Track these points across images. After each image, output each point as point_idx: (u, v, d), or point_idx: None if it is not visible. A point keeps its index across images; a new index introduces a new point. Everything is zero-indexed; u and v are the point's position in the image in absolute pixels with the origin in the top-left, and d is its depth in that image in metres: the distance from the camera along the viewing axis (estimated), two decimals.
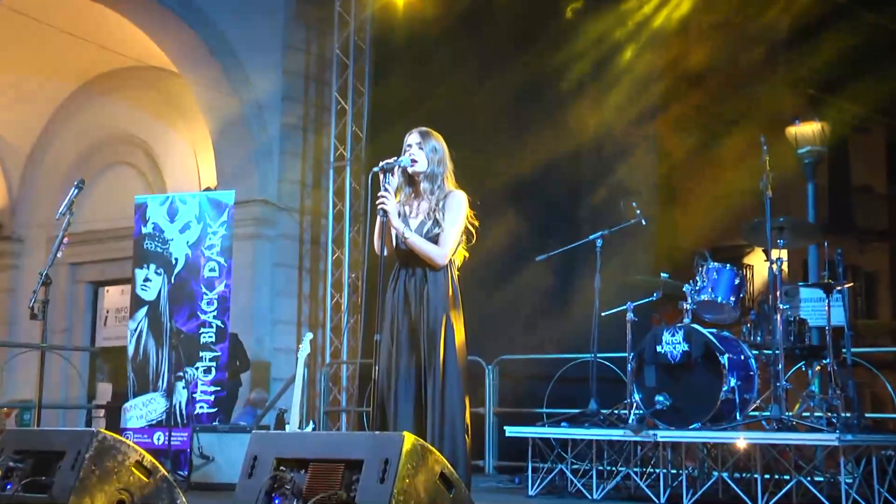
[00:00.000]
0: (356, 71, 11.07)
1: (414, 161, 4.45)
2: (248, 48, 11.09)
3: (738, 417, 5.92)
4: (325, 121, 11.45)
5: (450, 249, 4.40)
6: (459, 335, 4.36)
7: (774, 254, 6.05)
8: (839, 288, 6.21)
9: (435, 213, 4.42)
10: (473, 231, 4.51)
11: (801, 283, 7.18)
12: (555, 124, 9.05)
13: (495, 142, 9.39)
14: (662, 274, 6.73)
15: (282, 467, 3.41)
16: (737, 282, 6.43)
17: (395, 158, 4.43)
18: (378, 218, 4.33)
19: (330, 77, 11.28)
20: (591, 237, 6.99)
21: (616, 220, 7.11)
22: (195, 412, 8.13)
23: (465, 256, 4.52)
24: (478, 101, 9.42)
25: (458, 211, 4.42)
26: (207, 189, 11.47)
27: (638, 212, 6.94)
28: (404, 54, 10.40)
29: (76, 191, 5.55)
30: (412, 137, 4.51)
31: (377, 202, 4.30)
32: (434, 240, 4.38)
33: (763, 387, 6.18)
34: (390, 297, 4.45)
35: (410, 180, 4.54)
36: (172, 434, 7.89)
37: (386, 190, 4.32)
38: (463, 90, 9.53)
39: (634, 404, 6.27)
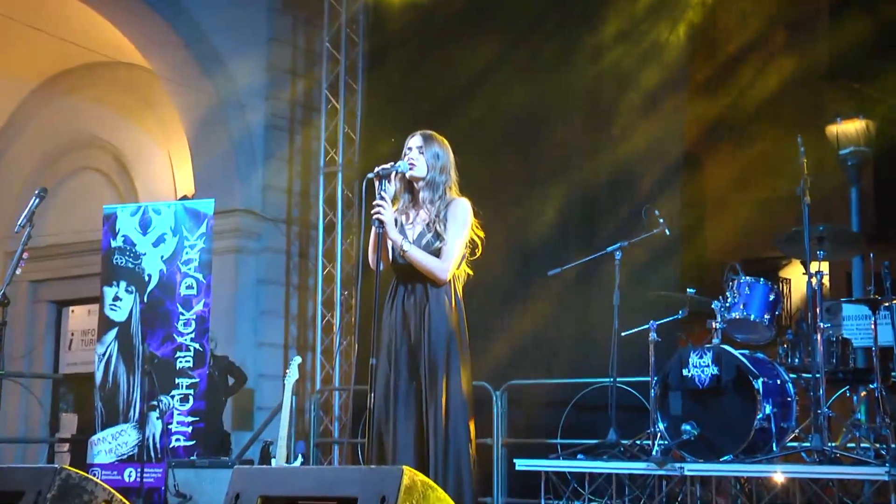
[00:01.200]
0: (348, 66, 11.10)
1: (412, 165, 4.49)
2: (228, 41, 11.12)
3: (774, 449, 5.91)
4: (314, 122, 11.47)
5: (453, 263, 4.43)
6: (464, 358, 4.38)
7: (814, 266, 6.04)
8: (887, 304, 6.20)
9: (436, 224, 4.45)
10: (479, 242, 4.53)
11: (843, 300, 7.20)
12: (570, 123, 9.07)
13: (504, 143, 9.41)
14: (689, 289, 6.74)
15: None
16: (772, 298, 6.44)
17: (392, 163, 4.45)
18: (373, 229, 4.36)
19: (319, 73, 11.30)
20: (609, 249, 7.01)
21: (637, 230, 7.12)
22: (171, 445, 8.13)
23: (468, 274, 4.54)
24: (486, 99, 9.44)
25: (461, 221, 4.46)
26: (184, 198, 11.48)
27: (661, 220, 6.96)
28: (402, 48, 10.43)
29: (37, 200, 5.57)
30: (413, 140, 4.56)
31: (372, 211, 4.33)
32: (435, 254, 4.40)
33: (802, 415, 6.18)
34: (387, 317, 4.47)
35: (409, 187, 4.58)
36: (145, 470, 7.88)
37: (382, 198, 4.34)
38: (469, 87, 9.56)
39: (658, 434, 6.27)
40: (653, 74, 8.68)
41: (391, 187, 4.46)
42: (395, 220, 4.49)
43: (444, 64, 9.85)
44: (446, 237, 4.41)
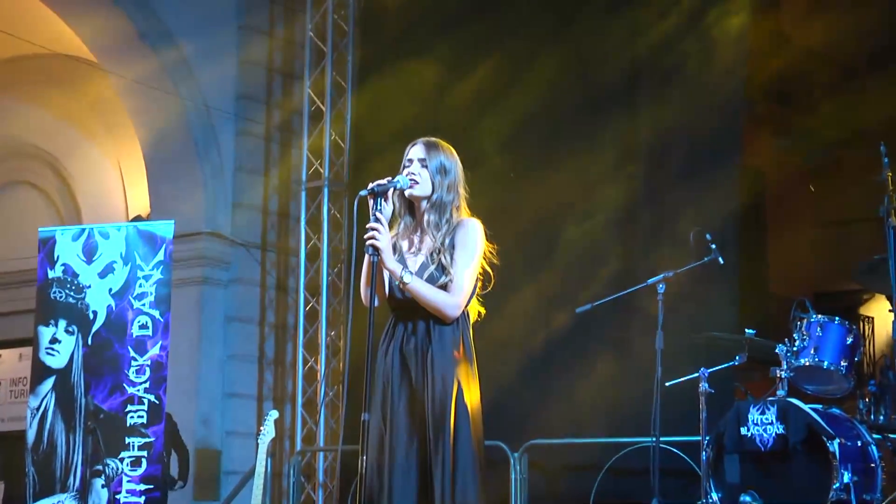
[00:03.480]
0: (336, 60, 11.14)
1: (414, 181, 4.50)
2: (191, 31, 11.12)
3: None
4: (295, 127, 11.51)
5: (464, 297, 4.44)
6: (475, 412, 4.39)
7: None
8: None
9: (441, 253, 4.46)
10: (491, 273, 4.54)
11: None
12: (600, 129, 9.10)
13: (522, 154, 9.44)
14: (747, 330, 6.73)
15: None
16: (849, 341, 6.43)
17: (390, 179, 4.46)
18: (367, 257, 4.37)
19: (301, 69, 11.36)
20: (651, 281, 7.00)
21: (684, 258, 7.13)
22: None
23: (480, 312, 4.56)
24: (499, 102, 9.48)
25: (472, 246, 4.48)
26: (137, 218, 11.50)
27: (713, 246, 6.96)
28: (402, 37, 10.46)
29: None
30: (414, 150, 4.57)
31: (366, 235, 4.34)
32: (442, 288, 4.42)
33: (889, 484, 6.17)
34: (382, 362, 4.48)
35: (410, 207, 4.60)
36: None
37: (377, 220, 4.36)
38: (479, 87, 9.60)
39: None
40: (705, 72, 8.72)
41: (388, 207, 4.48)
42: (394, 247, 4.51)
43: (454, 56, 9.88)
44: (454, 267, 4.43)
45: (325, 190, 10.98)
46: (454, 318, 4.42)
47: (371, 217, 4.36)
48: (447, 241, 4.48)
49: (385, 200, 4.43)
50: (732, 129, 8.73)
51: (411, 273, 4.40)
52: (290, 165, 11.57)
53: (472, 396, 4.40)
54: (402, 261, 4.50)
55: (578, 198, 9.10)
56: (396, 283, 4.41)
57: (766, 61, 9.72)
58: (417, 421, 4.36)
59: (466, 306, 4.48)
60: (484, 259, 4.53)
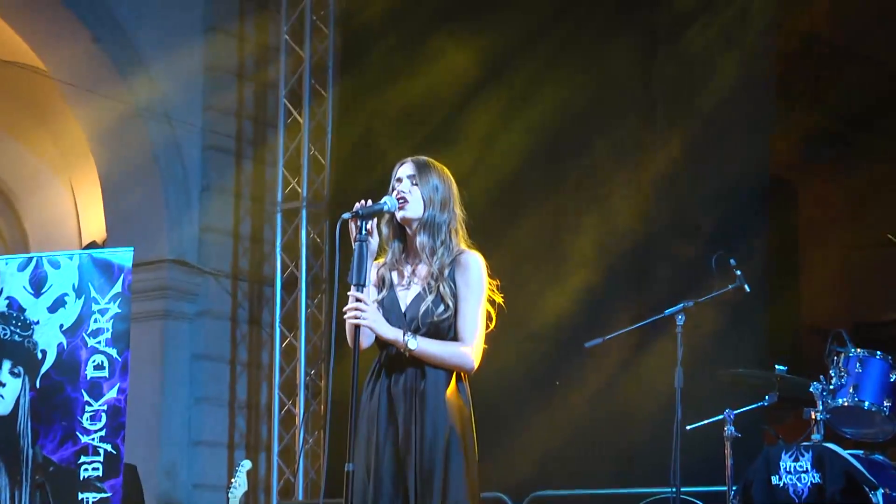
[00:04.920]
0: (315, 66, 11.17)
1: (403, 202, 4.54)
2: (151, 32, 11.14)
3: None
4: (269, 140, 11.55)
5: (480, 344, 4.50)
6: (469, 461, 4.42)
7: None
8: None
9: (439, 281, 4.49)
10: (492, 311, 4.58)
11: None
12: (611, 138, 9.14)
13: (521, 170, 9.47)
14: (778, 367, 6.75)
15: None
16: (893, 378, 6.45)
17: (367, 203, 4.46)
18: (347, 322, 4.39)
19: (276, 75, 11.39)
20: (669, 312, 7.01)
21: (705, 286, 7.14)
22: None
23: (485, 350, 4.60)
24: (494, 109, 9.53)
25: (476, 284, 4.52)
26: (92, 245, 11.50)
27: (738, 272, 6.98)
28: (387, 41, 10.50)
29: None
30: (403, 168, 4.62)
31: (347, 315, 4.36)
32: (440, 326, 4.45)
33: None
34: (367, 405, 4.51)
35: (400, 232, 4.63)
36: None
37: (356, 285, 4.35)
38: (476, 93, 9.64)
39: None
40: (727, 70, 8.77)
41: (373, 241, 4.50)
42: (382, 280, 4.54)
43: (445, 61, 9.92)
44: (463, 312, 4.47)
45: (303, 211, 11.01)
46: (474, 367, 4.48)
47: (351, 278, 4.35)
48: (446, 271, 4.51)
49: (370, 234, 4.45)
50: (759, 139, 8.77)
51: (415, 337, 4.43)
52: (264, 184, 11.60)
53: (467, 443, 4.42)
54: (394, 299, 4.53)
55: (587, 216, 9.12)
56: (401, 349, 4.42)
57: (798, 62, 9.77)
58: (405, 471, 4.39)
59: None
60: (488, 296, 4.56)
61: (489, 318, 4.57)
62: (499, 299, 4.59)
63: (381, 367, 4.53)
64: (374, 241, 4.51)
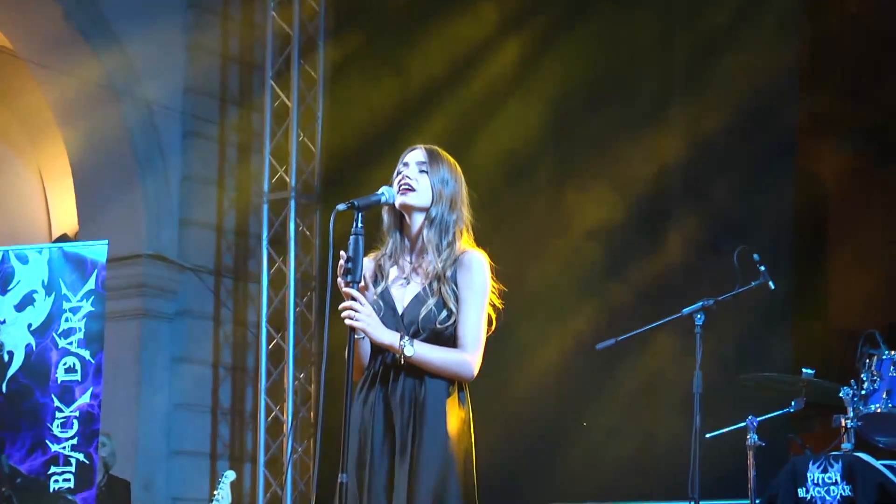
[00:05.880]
0: (304, 44, 11.18)
1: (408, 188, 4.52)
2: (128, 12, 11.10)
3: None
4: (255, 127, 11.56)
5: (480, 351, 4.49)
6: (469, 477, 4.44)
7: None
8: None
9: (442, 282, 4.48)
10: (492, 316, 4.57)
11: None
12: (628, 133, 9.16)
13: (531, 165, 9.48)
14: (805, 370, 6.76)
15: None
16: None
17: (361, 195, 4.48)
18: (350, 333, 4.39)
19: (262, 55, 11.39)
20: (686, 311, 7.00)
21: (727, 283, 7.16)
22: None
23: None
24: (503, 93, 9.53)
25: (481, 288, 4.52)
26: (63, 239, 11.51)
27: (762, 267, 6.99)
28: (383, 21, 10.49)
29: None
30: (413, 154, 4.59)
31: (343, 314, 4.35)
32: (444, 335, 4.45)
33: None
34: (360, 412, 4.51)
35: (401, 222, 4.62)
36: None
37: (351, 279, 4.35)
38: (482, 80, 9.64)
39: None
40: (748, 54, 8.78)
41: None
42: (380, 269, 4.55)
43: (450, 43, 9.93)
44: (464, 316, 4.46)
45: (292, 203, 11.02)
46: (474, 376, 4.48)
47: (341, 277, 4.35)
48: (449, 272, 4.49)
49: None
50: (786, 128, 8.78)
51: (412, 343, 4.41)
52: (250, 174, 11.59)
53: (467, 458, 4.44)
54: (389, 295, 4.53)
55: (599, 211, 9.14)
56: (398, 357, 4.42)
57: (828, 46, 9.77)
58: (401, 486, 4.38)
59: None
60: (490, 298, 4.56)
61: (489, 321, 4.55)
62: (498, 303, 4.57)
63: (377, 373, 4.52)
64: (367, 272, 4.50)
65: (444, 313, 4.46)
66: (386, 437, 4.45)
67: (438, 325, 4.45)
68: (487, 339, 4.57)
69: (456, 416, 4.45)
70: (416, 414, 4.42)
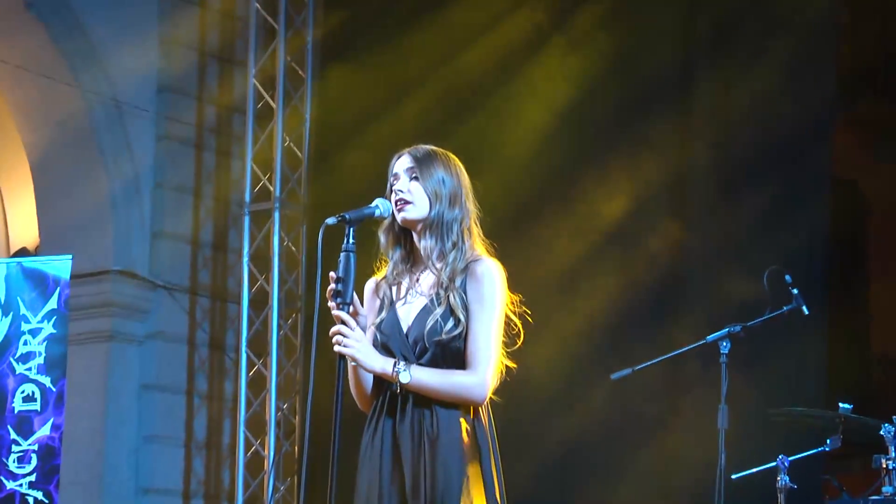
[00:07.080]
0: (291, 40, 11.19)
1: (402, 203, 4.51)
2: (92, 1, 11.14)
3: None
4: (235, 130, 11.57)
5: (491, 371, 4.47)
6: None
7: None
8: None
9: (449, 290, 4.47)
10: (520, 326, 4.57)
11: None
12: (644, 135, 9.18)
13: (540, 169, 9.50)
14: (842, 405, 6.76)
15: None
16: None
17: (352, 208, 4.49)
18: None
19: (245, 54, 11.41)
20: (711, 338, 7.02)
21: (755, 308, 7.15)
22: None
23: (502, 371, 4.56)
24: (504, 92, 9.55)
25: (492, 300, 4.50)
26: (22, 253, 11.51)
27: (795, 290, 7.00)
28: (377, 11, 10.51)
29: None
30: (400, 163, 4.59)
31: (334, 339, 4.35)
32: (450, 345, 4.44)
33: None
34: (368, 448, 4.51)
35: (399, 237, 4.62)
36: None
37: (342, 301, 4.35)
38: (486, 69, 9.66)
39: None
40: (779, 48, 8.80)
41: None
42: (383, 299, 4.55)
43: (450, 34, 9.95)
44: (471, 327, 4.44)
45: (276, 214, 11.01)
46: (484, 400, 4.46)
47: (331, 299, 4.35)
48: (458, 280, 4.48)
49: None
50: (821, 134, 8.79)
51: (408, 368, 4.41)
52: (230, 181, 11.60)
53: (487, 491, 4.41)
54: (394, 320, 4.52)
55: (614, 224, 9.15)
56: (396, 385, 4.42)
57: (869, 42, 9.80)
58: None
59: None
60: (508, 310, 4.55)
61: (517, 334, 4.56)
62: (517, 320, 4.57)
63: (385, 402, 4.52)
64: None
65: (452, 323, 4.44)
66: (395, 472, 4.44)
67: (444, 337, 4.43)
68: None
69: (474, 448, 4.44)
70: (427, 447, 4.41)
